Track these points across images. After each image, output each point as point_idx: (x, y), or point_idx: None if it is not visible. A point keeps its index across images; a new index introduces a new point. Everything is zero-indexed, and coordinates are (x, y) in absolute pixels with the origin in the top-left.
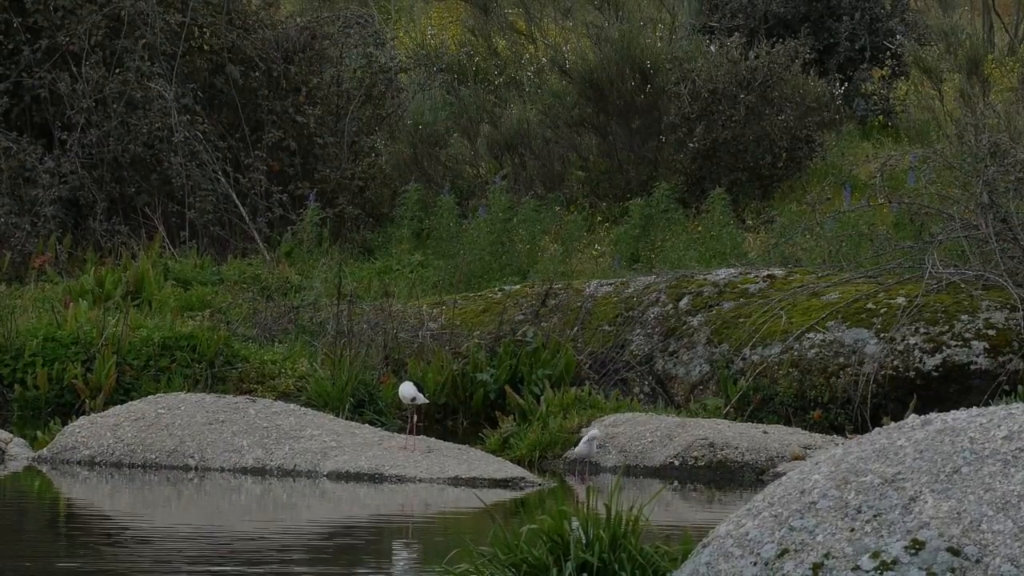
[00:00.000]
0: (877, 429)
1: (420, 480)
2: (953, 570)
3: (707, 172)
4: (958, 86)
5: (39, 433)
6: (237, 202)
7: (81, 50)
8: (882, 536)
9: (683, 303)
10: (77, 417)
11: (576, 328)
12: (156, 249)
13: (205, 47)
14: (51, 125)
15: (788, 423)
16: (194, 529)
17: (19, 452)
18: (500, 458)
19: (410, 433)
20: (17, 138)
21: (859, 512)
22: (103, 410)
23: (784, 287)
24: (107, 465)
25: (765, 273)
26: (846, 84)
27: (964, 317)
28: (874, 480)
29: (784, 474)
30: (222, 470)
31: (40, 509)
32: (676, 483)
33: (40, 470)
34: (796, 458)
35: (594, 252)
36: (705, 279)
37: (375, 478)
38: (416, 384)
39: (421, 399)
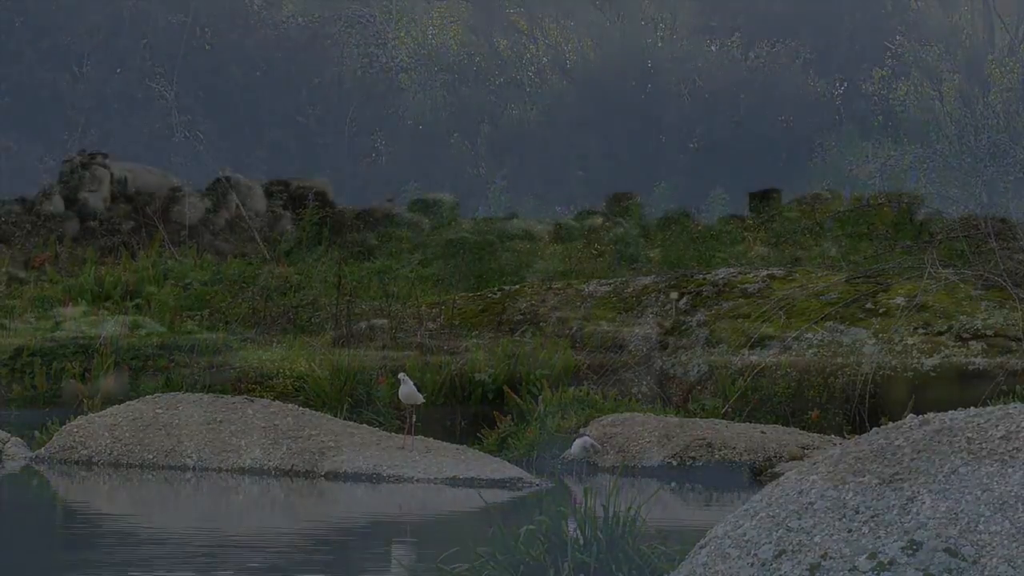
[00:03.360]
0: (875, 429)
1: (418, 480)
2: (950, 571)
3: (707, 172)
4: (958, 86)
5: (37, 433)
6: (237, 202)
7: (83, 49)
8: (879, 537)
9: (682, 303)
10: (75, 417)
11: (575, 328)
12: (156, 249)
13: (207, 46)
14: (52, 124)
15: (786, 423)
16: (189, 530)
17: (17, 451)
18: (498, 458)
19: (408, 433)
20: (17, 138)
21: (856, 513)
22: (101, 410)
23: (783, 287)
24: (105, 465)
25: (764, 273)
26: (846, 84)
27: (962, 317)
28: (872, 480)
29: (782, 474)
30: (220, 470)
31: (37, 510)
32: (674, 483)
33: (38, 470)
34: (794, 458)
35: (594, 252)
36: (704, 279)
37: (373, 478)
38: (414, 384)
39: (419, 398)
